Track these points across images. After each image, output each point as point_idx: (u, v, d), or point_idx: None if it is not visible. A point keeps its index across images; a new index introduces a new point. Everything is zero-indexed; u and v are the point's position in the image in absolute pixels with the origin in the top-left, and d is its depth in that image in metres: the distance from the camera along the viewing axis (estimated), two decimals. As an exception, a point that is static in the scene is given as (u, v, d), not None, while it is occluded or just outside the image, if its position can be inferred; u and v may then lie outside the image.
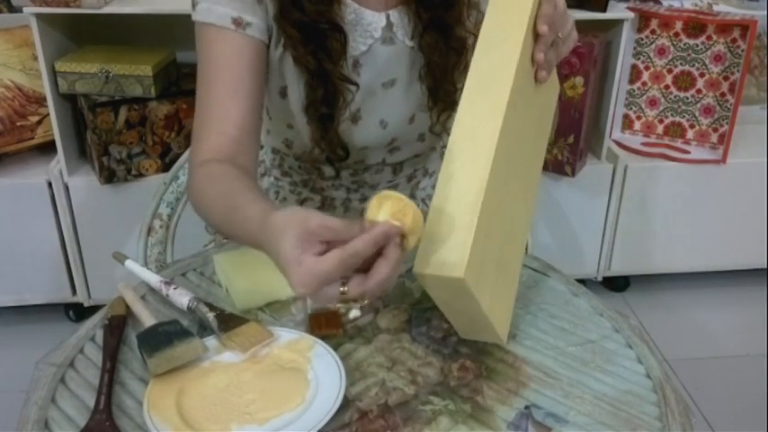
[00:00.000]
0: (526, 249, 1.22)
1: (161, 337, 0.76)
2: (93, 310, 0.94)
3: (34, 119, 1.87)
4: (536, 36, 0.78)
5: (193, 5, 0.91)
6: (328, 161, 1.03)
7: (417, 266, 0.68)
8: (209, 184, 0.86)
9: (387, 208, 0.66)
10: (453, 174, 0.70)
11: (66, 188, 1.84)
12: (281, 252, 0.65)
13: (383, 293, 0.67)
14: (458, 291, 0.68)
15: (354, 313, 0.69)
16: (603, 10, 1.83)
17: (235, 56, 0.90)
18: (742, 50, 1.97)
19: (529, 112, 0.81)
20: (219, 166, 0.87)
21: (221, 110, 0.90)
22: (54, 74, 1.74)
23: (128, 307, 0.85)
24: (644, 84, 2.10)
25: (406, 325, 0.84)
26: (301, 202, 1.16)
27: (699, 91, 2.06)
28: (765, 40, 2.15)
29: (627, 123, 2.16)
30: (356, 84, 0.96)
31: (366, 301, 0.74)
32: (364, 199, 1.15)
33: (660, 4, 2.08)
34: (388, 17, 0.97)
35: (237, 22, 0.90)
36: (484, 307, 0.71)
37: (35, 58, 1.76)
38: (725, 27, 1.97)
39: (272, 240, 0.67)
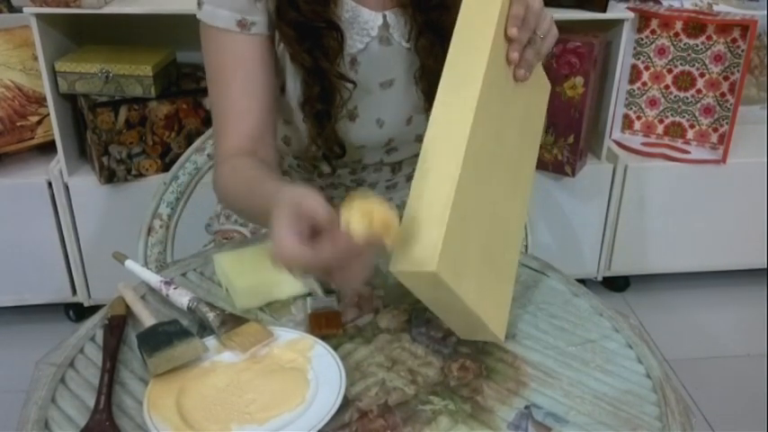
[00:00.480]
0: (526, 249, 1.22)
1: (161, 337, 0.76)
2: (94, 309, 0.94)
3: (34, 119, 1.87)
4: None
5: (198, 4, 0.92)
6: (325, 158, 1.03)
7: (392, 265, 0.68)
8: (231, 178, 0.91)
9: (355, 221, 0.66)
10: (426, 173, 0.71)
11: (67, 188, 1.84)
12: (273, 221, 0.67)
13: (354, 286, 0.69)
14: (435, 286, 0.68)
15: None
16: (603, 10, 1.83)
17: (244, 56, 0.93)
18: (742, 50, 1.97)
19: (510, 111, 0.81)
20: (241, 159, 0.91)
21: (238, 109, 0.93)
22: (54, 74, 1.74)
23: (128, 307, 0.85)
24: (644, 84, 2.10)
25: (405, 325, 0.84)
26: (301, 202, 1.16)
27: (699, 91, 2.06)
28: (765, 40, 2.15)
29: (627, 123, 2.16)
30: (353, 81, 0.96)
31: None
32: (364, 198, 1.15)
33: (660, 4, 2.08)
34: (384, 17, 0.97)
35: (242, 24, 0.91)
36: (468, 303, 0.71)
37: (35, 58, 1.76)
38: (725, 27, 1.97)
39: (274, 211, 0.69)
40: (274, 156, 0.97)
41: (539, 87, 0.89)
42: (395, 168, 1.13)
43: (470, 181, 0.71)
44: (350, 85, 0.96)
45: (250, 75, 0.93)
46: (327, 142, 0.99)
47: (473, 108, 0.72)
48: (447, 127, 0.72)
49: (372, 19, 0.96)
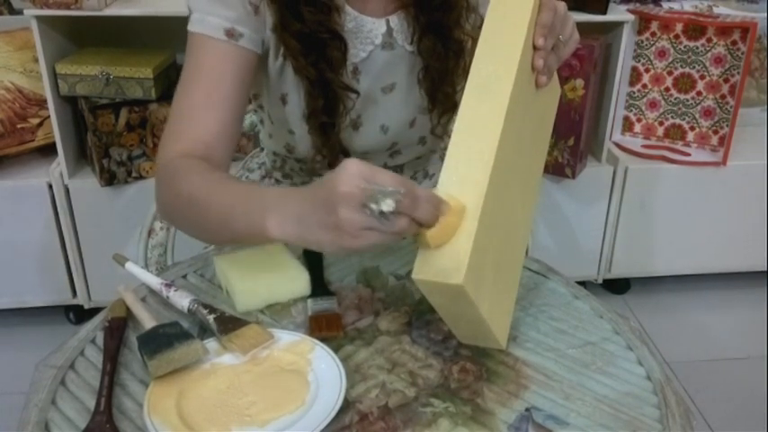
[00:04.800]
0: (527, 252, 1.22)
1: (161, 339, 0.76)
2: (94, 312, 0.94)
3: (35, 121, 1.87)
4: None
5: (189, 13, 0.91)
6: (330, 167, 1.03)
7: (416, 272, 0.68)
8: (182, 176, 0.83)
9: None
10: (450, 181, 0.70)
11: (67, 190, 1.84)
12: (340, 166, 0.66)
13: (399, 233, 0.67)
14: (457, 297, 0.68)
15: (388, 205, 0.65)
16: (604, 12, 1.83)
17: (221, 65, 0.89)
18: (742, 53, 1.97)
19: (529, 117, 0.81)
20: (192, 159, 0.85)
21: (197, 115, 0.89)
22: (54, 76, 1.74)
23: (128, 309, 0.85)
24: (644, 86, 2.10)
25: (406, 327, 0.84)
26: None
27: (699, 93, 2.07)
28: (765, 42, 2.15)
29: (627, 125, 2.16)
30: (356, 92, 0.96)
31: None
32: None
33: (660, 6, 2.08)
34: (387, 23, 0.97)
35: (230, 33, 0.89)
36: (483, 313, 0.71)
37: (36, 61, 1.76)
38: (725, 29, 1.97)
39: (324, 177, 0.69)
40: (226, 169, 0.92)
41: (551, 91, 0.88)
42: (396, 171, 1.13)
43: (494, 190, 0.71)
44: (353, 95, 0.96)
45: (220, 84, 0.89)
46: (332, 152, 0.99)
47: (502, 117, 0.71)
48: (473, 136, 0.71)
49: (376, 27, 0.96)
